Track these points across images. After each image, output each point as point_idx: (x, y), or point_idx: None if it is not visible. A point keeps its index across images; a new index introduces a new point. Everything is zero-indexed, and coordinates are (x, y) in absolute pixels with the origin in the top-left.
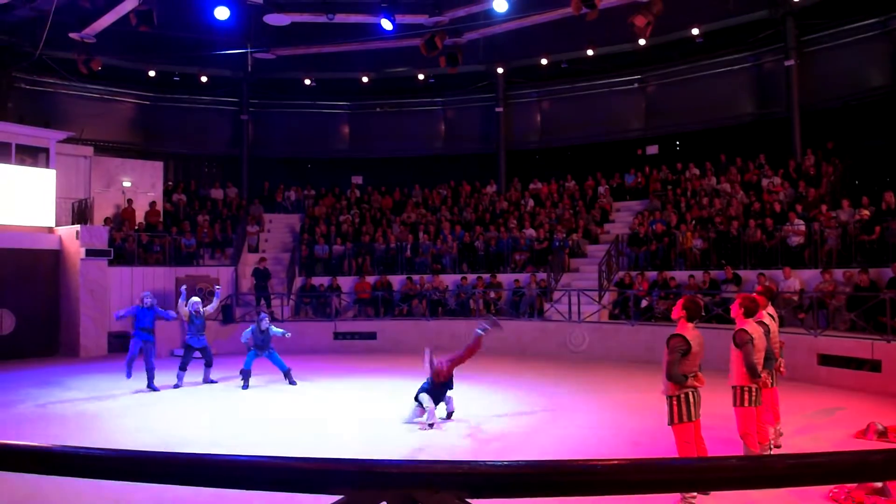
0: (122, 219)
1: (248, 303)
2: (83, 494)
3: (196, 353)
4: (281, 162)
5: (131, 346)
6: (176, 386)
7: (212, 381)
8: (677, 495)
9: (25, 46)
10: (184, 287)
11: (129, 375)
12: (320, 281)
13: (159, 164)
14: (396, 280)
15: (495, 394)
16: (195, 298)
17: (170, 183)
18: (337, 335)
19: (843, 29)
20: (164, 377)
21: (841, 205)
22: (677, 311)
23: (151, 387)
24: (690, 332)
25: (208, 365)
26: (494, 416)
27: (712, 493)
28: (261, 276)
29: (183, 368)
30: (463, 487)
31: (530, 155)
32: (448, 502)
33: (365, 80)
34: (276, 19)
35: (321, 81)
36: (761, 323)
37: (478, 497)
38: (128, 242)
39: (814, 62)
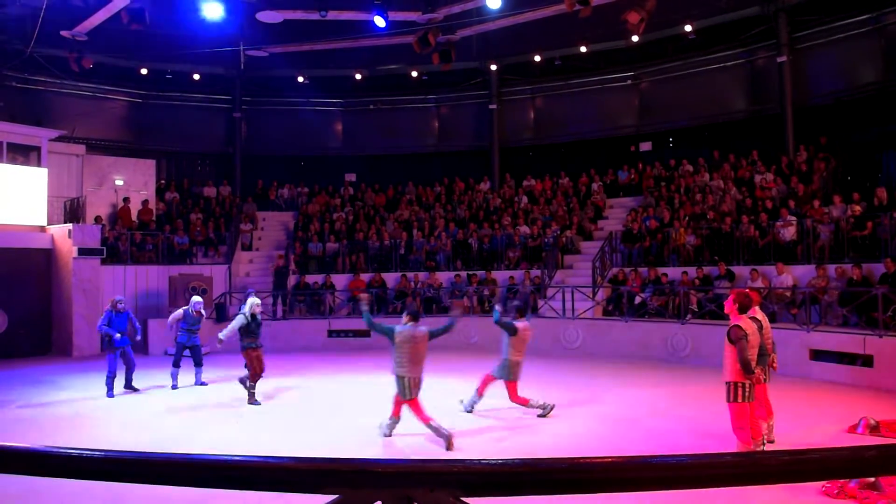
0: (118, 217)
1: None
2: (77, 495)
3: (185, 352)
4: (274, 159)
5: (109, 362)
6: (173, 387)
7: (202, 384)
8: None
9: (16, 44)
10: (195, 293)
11: (111, 395)
12: (314, 279)
13: (152, 163)
14: (390, 277)
15: (489, 391)
16: (196, 298)
17: (162, 181)
18: (331, 333)
19: (834, 25)
20: (156, 377)
21: (833, 200)
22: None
23: (130, 388)
24: None
25: (197, 365)
26: (489, 413)
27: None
28: (281, 274)
29: (176, 365)
30: (458, 486)
31: (524, 152)
32: (444, 501)
33: (358, 77)
34: (268, 17)
35: (314, 79)
36: (754, 319)
37: (473, 496)
38: (120, 241)
39: (806, 59)
